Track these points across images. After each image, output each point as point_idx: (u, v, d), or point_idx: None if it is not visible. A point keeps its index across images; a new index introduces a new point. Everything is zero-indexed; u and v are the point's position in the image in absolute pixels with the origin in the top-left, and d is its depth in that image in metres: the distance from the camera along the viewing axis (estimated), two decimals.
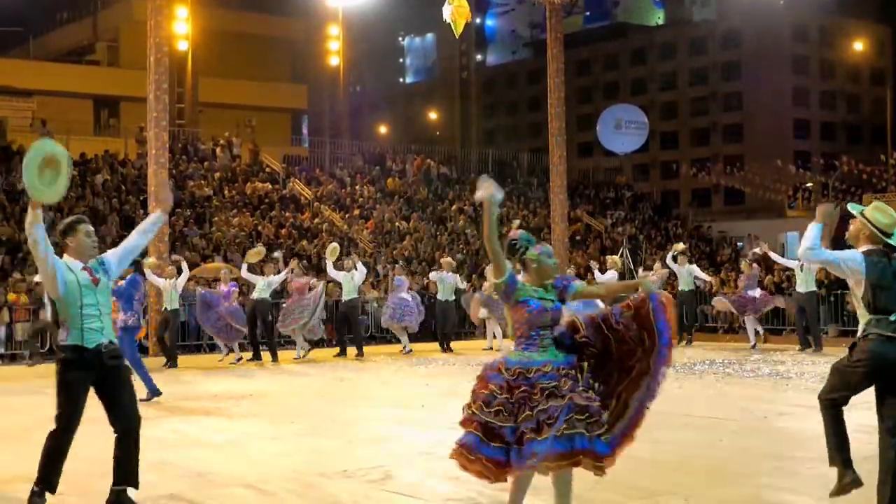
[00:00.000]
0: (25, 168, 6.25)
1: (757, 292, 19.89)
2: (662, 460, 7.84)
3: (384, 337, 21.27)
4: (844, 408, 6.14)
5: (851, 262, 6.01)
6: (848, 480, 6.05)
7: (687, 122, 74.00)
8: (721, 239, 37.15)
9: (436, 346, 20.17)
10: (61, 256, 6.32)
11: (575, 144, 60.95)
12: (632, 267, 24.78)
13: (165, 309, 16.95)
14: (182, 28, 35.79)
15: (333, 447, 8.69)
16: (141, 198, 24.90)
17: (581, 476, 7.22)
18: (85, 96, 39.59)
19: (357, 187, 32.55)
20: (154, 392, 11.91)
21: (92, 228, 6.61)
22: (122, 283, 11.80)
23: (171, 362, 16.79)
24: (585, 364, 5.53)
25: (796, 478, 7.06)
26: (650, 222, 37.09)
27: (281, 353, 18.33)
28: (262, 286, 17.72)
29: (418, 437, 9.19)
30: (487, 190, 5.49)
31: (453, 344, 20.19)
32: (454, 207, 32.57)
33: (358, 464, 7.75)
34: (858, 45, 62.72)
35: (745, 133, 70.53)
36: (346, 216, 30.00)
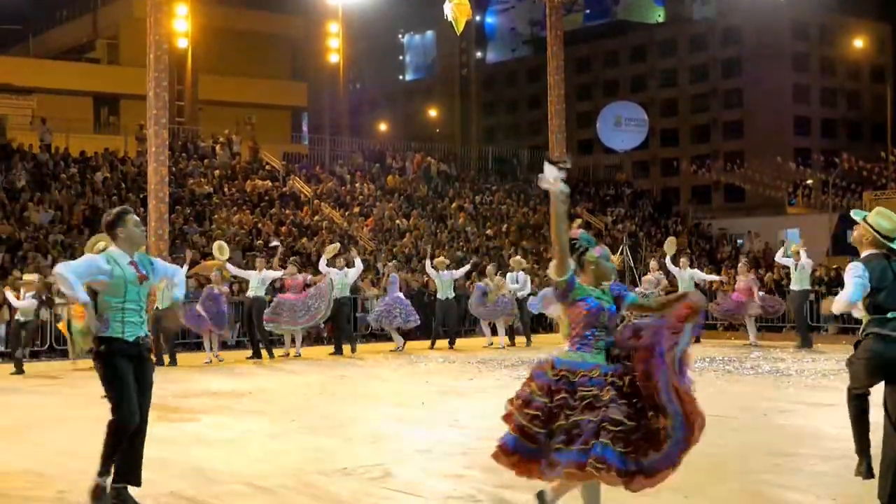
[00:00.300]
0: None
1: (754, 296, 19.81)
2: None
3: (384, 335, 21.21)
4: (870, 399, 6.34)
5: (864, 275, 6.08)
6: (861, 469, 6.33)
7: (687, 119, 74.00)
8: (721, 236, 37.15)
9: (440, 342, 20.07)
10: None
11: (575, 142, 60.91)
12: (632, 265, 24.76)
13: (157, 308, 16.74)
14: (182, 25, 35.78)
15: (333, 445, 8.69)
16: (141, 195, 24.87)
17: None
18: (85, 94, 39.56)
19: (357, 185, 32.54)
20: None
21: (138, 218, 6.56)
22: None
23: (170, 361, 16.72)
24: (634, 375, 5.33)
25: (797, 475, 7.05)
26: (650, 219, 37.08)
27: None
28: (257, 283, 17.62)
29: (418, 435, 9.19)
30: (553, 184, 5.28)
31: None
32: (454, 205, 32.56)
33: (358, 461, 7.75)
34: (858, 43, 62.72)
35: (746, 130, 70.53)
36: (346, 213, 29.99)
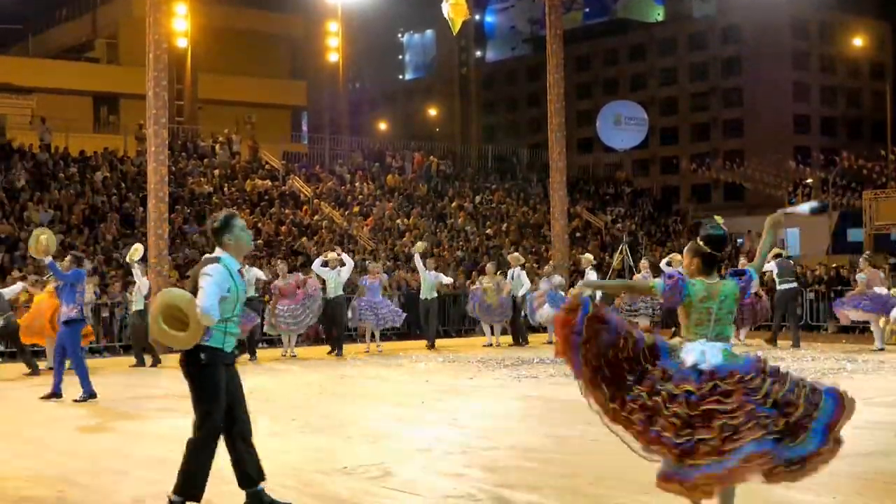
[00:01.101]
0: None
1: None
2: None
3: (383, 334, 21.17)
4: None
5: None
6: None
7: (687, 117, 74.01)
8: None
9: (440, 342, 20.04)
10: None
11: (575, 140, 60.97)
12: (631, 264, 24.75)
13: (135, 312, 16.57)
14: (181, 25, 35.79)
15: (333, 444, 8.69)
16: (140, 195, 24.88)
17: (581, 472, 7.23)
18: (84, 93, 39.56)
19: (357, 184, 32.55)
20: (90, 395, 11.64)
21: (244, 222, 6.32)
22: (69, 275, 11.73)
23: (139, 362, 16.45)
24: None
25: None
26: (650, 218, 37.09)
27: (264, 352, 18.34)
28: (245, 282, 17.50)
29: (418, 435, 9.19)
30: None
31: (439, 342, 20.06)
32: (454, 204, 32.56)
33: (357, 461, 7.75)
34: (858, 41, 62.76)
35: (746, 128, 70.57)
36: (346, 213, 29.99)
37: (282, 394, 12.60)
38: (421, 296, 19.84)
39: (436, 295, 19.94)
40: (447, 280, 20.45)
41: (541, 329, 21.36)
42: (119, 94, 38.85)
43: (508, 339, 20.32)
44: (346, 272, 18.67)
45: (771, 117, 68.52)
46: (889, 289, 17.90)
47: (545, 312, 19.68)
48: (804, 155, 62.63)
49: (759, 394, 5.04)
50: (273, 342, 19.62)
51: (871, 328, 18.04)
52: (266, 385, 13.65)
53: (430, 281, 19.66)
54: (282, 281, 18.06)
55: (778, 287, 18.91)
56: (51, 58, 42.99)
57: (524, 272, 20.65)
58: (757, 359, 5.31)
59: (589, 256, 21.66)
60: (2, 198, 24.66)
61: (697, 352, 5.27)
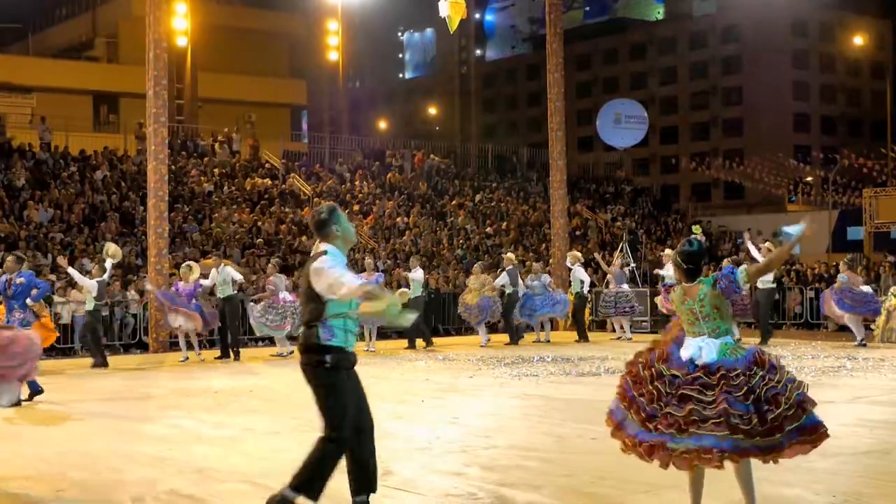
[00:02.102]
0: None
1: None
2: None
3: (383, 332, 21.16)
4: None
5: None
6: None
7: (687, 116, 74.01)
8: (721, 233, 37.15)
9: (440, 340, 19.99)
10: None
11: (575, 139, 61.01)
12: (631, 261, 24.75)
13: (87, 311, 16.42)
14: (181, 24, 35.75)
15: None
16: (140, 194, 24.88)
17: (582, 471, 7.23)
18: (84, 92, 39.59)
19: (357, 183, 32.55)
20: (36, 391, 11.58)
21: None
22: (22, 280, 11.58)
23: (99, 361, 16.22)
24: None
25: (795, 471, 7.04)
26: (650, 217, 37.09)
27: (256, 351, 18.32)
28: (220, 281, 17.34)
29: (418, 433, 9.18)
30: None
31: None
32: (454, 203, 32.56)
33: None
34: (858, 39, 62.73)
35: (745, 127, 70.56)
36: (346, 212, 29.91)
37: (282, 392, 12.59)
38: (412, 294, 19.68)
39: (420, 293, 19.68)
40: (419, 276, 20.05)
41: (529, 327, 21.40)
42: (119, 93, 38.87)
43: (504, 338, 20.31)
44: None
45: (771, 116, 68.52)
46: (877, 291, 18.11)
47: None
48: (804, 153, 62.63)
49: (741, 391, 5.36)
50: (263, 340, 19.51)
51: (848, 323, 18.36)
52: (266, 383, 13.66)
53: (416, 281, 19.47)
54: (270, 279, 17.97)
55: (764, 286, 19.15)
56: (51, 57, 43.04)
57: (517, 271, 20.58)
58: (754, 354, 5.53)
59: (576, 254, 21.62)
60: (2, 197, 24.66)
61: (695, 347, 5.65)
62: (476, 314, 19.83)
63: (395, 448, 8.41)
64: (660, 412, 5.50)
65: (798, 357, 15.83)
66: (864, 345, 17.48)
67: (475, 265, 21.30)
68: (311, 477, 5.67)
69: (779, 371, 5.48)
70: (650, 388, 5.59)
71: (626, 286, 21.35)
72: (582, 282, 20.73)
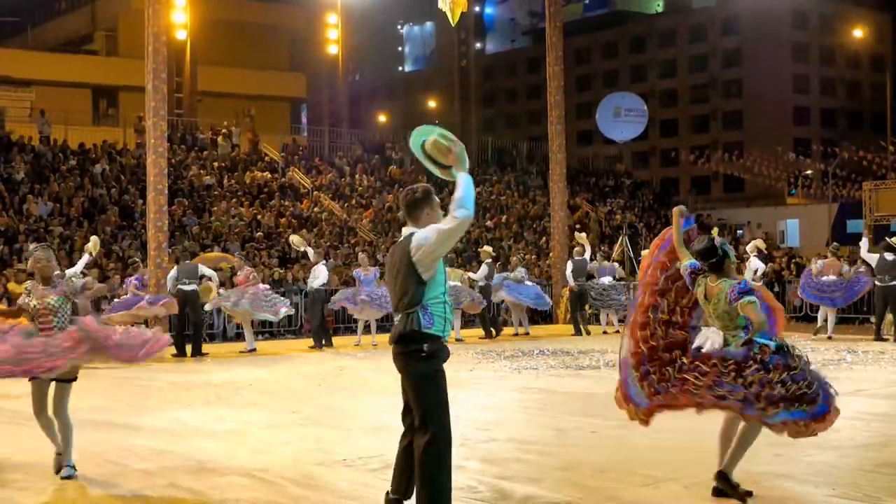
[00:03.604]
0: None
1: None
2: (662, 447, 7.84)
3: (383, 326, 21.15)
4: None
5: None
6: None
7: (686, 109, 73.93)
8: (721, 226, 37.16)
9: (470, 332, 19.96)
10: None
11: (574, 132, 60.88)
12: (631, 255, 24.76)
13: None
14: (180, 17, 35.72)
15: (333, 436, 8.69)
16: (140, 187, 24.87)
17: (581, 464, 7.23)
18: (83, 86, 39.54)
19: (356, 176, 32.53)
20: None
21: None
22: None
23: None
24: None
25: (796, 464, 7.06)
26: (650, 210, 37.09)
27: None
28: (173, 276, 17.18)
29: None
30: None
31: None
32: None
33: (357, 453, 7.75)
34: (858, 32, 62.65)
35: (745, 120, 70.49)
36: (346, 205, 29.99)
37: (281, 386, 12.61)
38: None
39: None
40: None
41: (540, 320, 21.39)
42: (118, 87, 38.83)
43: (479, 331, 20.22)
44: (320, 277, 18.35)
45: (771, 109, 68.42)
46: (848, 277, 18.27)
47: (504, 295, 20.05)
48: (804, 146, 62.59)
49: (729, 377, 5.87)
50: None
51: (819, 315, 18.72)
52: (265, 377, 13.66)
53: None
54: (240, 273, 17.79)
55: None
56: (50, 50, 42.95)
57: (493, 264, 20.52)
58: (752, 350, 5.94)
59: (488, 249, 21.60)
60: (1, 190, 24.65)
61: (702, 337, 6.20)
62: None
63: (395, 441, 8.41)
64: (664, 391, 6.11)
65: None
66: (831, 337, 17.89)
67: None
68: (438, 493, 5.21)
69: (775, 371, 5.84)
70: (664, 369, 6.14)
71: (606, 279, 21.11)
72: (591, 275, 20.75)
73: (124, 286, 17.77)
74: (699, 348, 6.10)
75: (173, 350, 16.78)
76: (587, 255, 20.79)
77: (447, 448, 5.25)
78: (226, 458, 7.65)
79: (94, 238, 16.31)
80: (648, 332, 6.32)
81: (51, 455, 7.08)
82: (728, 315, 6.07)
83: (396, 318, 5.38)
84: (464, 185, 5.37)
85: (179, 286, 16.94)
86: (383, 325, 19.67)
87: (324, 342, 18.08)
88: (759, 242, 20.41)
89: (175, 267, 17.32)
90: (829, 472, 6.85)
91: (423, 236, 5.33)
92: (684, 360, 6.10)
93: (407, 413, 5.51)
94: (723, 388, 5.83)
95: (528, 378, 12.92)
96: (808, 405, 5.84)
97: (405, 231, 5.56)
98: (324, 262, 18.90)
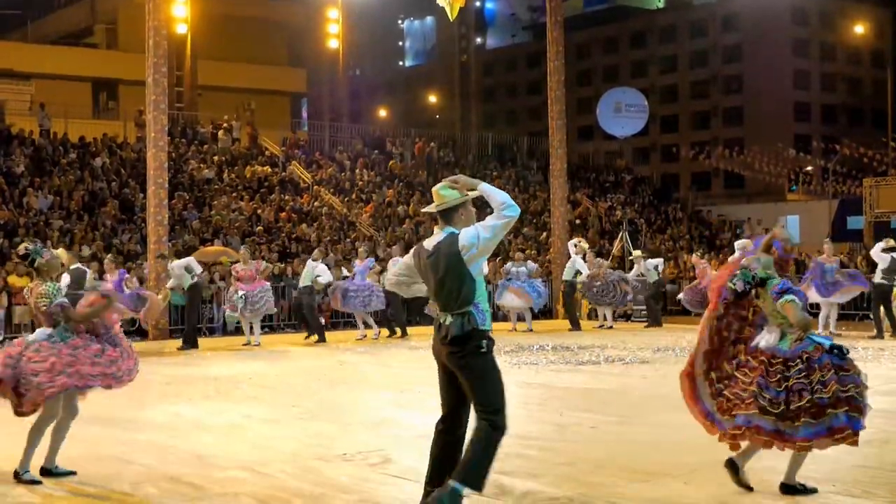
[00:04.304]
0: None
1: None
2: (662, 443, 7.84)
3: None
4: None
5: None
6: None
7: (687, 105, 73.89)
8: (721, 223, 37.14)
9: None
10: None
11: (575, 128, 60.91)
12: (631, 250, 24.76)
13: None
14: (181, 11, 35.63)
15: (333, 430, 8.69)
16: (140, 181, 24.85)
17: (581, 459, 7.23)
18: (83, 79, 39.49)
19: (357, 171, 32.51)
20: None
21: None
22: None
23: None
24: None
25: None
26: (650, 206, 37.07)
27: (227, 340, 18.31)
28: (176, 275, 17.20)
29: (417, 421, 9.17)
30: None
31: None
32: None
33: (357, 447, 7.75)
34: (859, 28, 62.63)
35: (746, 116, 70.46)
36: (346, 200, 29.97)
37: (281, 380, 12.61)
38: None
39: None
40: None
41: (541, 316, 21.35)
42: (118, 80, 38.77)
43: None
44: (323, 276, 18.32)
45: (771, 105, 68.40)
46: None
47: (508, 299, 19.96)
48: (804, 143, 62.56)
49: (775, 377, 6.00)
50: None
51: (820, 318, 18.45)
52: (265, 371, 13.66)
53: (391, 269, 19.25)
54: (242, 266, 17.67)
55: None
56: (50, 43, 42.88)
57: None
58: (805, 348, 6.06)
59: (583, 245, 21.57)
60: (1, 184, 24.63)
61: (762, 334, 6.30)
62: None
63: (396, 435, 8.42)
64: (723, 390, 6.24)
65: None
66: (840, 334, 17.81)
67: None
68: (478, 467, 5.48)
69: (820, 370, 5.98)
70: (725, 367, 6.29)
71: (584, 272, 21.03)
72: (578, 272, 20.68)
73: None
74: (756, 345, 6.24)
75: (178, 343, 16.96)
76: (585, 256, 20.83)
77: (502, 432, 5.51)
78: (225, 453, 7.65)
79: (61, 251, 16.28)
80: (716, 331, 6.41)
81: (40, 452, 7.04)
82: (778, 312, 6.18)
83: (444, 319, 5.47)
84: (492, 191, 5.56)
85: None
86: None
87: (318, 336, 18.10)
88: (748, 242, 20.47)
89: (178, 261, 17.33)
90: (829, 468, 6.84)
91: (473, 235, 5.44)
92: (741, 356, 6.26)
93: (447, 408, 5.68)
94: (768, 393, 5.97)
95: (527, 373, 12.92)
96: (855, 412, 5.98)
97: (438, 232, 5.65)
98: (321, 260, 18.87)
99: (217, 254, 21.93)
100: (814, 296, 18.05)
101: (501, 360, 14.46)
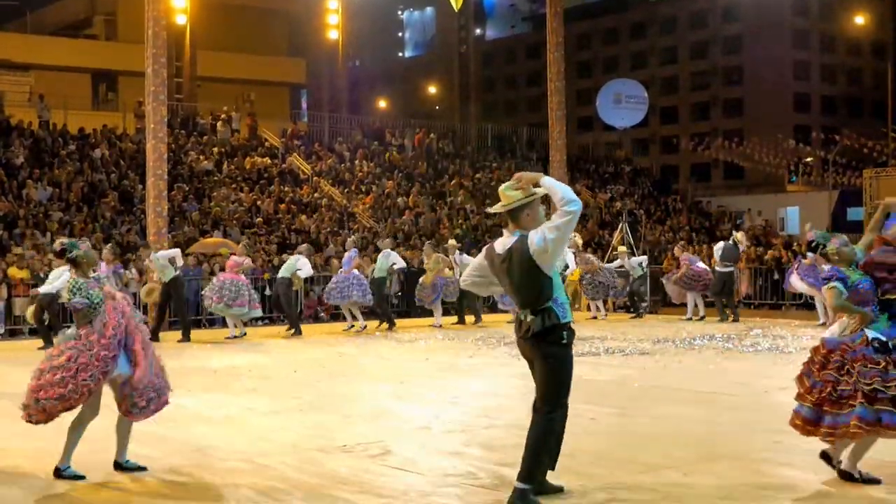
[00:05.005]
0: None
1: (699, 267, 20.32)
2: (661, 435, 7.85)
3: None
4: None
5: None
6: None
7: (687, 96, 73.79)
8: (720, 214, 37.12)
9: (430, 320, 19.85)
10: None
11: (574, 119, 60.83)
12: (631, 242, 24.76)
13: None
14: (180, 1, 35.57)
15: (332, 422, 8.70)
16: (139, 172, 24.84)
17: (581, 451, 7.23)
18: (83, 70, 39.40)
19: (356, 162, 32.49)
20: None
21: None
22: None
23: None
24: None
25: (795, 453, 7.06)
26: (649, 197, 37.05)
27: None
28: (160, 267, 17.07)
29: (417, 413, 9.19)
30: None
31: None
32: (453, 182, 32.51)
33: (357, 439, 7.76)
34: (859, 19, 62.50)
35: (746, 107, 70.36)
36: (346, 191, 29.95)
37: (280, 372, 12.61)
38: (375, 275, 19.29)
39: (384, 275, 19.48)
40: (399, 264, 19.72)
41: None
42: (118, 71, 38.69)
43: (453, 318, 20.12)
44: (304, 270, 18.27)
45: (771, 96, 68.29)
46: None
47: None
48: (804, 133, 62.45)
49: (881, 364, 6.04)
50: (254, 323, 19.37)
51: (816, 303, 18.66)
52: (265, 363, 13.67)
53: (383, 263, 19.25)
54: (237, 258, 17.53)
55: (717, 269, 19.86)
56: (49, 34, 42.77)
57: (464, 255, 20.42)
58: (851, 340, 6.19)
59: (452, 242, 21.49)
60: (0, 175, 24.61)
61: (874, 326, 6.31)
62: (429, 293, 19.65)
63: (395, 427, 8.43)
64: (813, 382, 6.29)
65: (797, 337, 15.84)
66: (825, 323, 17.76)
67: (426, 245, 21.18)
68: (540, 463, 5.72)
69: (852, 363, 6.10)
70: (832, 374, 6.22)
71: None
72: (567, 266, 20.70)
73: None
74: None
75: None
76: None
77: (563, 420, 5.87)
78: (226, 444, 7.66)
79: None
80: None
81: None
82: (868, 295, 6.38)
83: (525, 316, 5.70)
84: (554, 184, 5.67)
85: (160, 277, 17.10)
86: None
87: (294, 329, 18.09)
88: (741, 235, 20.82)
89: (147, 260, 17.30)
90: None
91: (541, 238, 5.57)
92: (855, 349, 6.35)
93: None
94: (808, 380, 6.29)
95: (527, 365, 12.90)
96: (876, 403, 6.00)
97: (507, 234, 5.81)
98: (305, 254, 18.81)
99: (216, 245, 21.91)
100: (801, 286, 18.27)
101: (500, 352, 14.51)
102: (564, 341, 5.70)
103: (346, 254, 19.12)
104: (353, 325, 18.67)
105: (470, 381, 11.57)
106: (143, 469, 6.76)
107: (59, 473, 6.63)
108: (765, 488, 6.15)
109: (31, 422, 6.71)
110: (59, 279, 14.34)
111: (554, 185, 5.64)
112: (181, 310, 17.54)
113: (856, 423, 5.94)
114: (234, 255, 18.06)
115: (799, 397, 6.38)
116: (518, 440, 7.68)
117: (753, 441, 7.61)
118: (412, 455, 7.22)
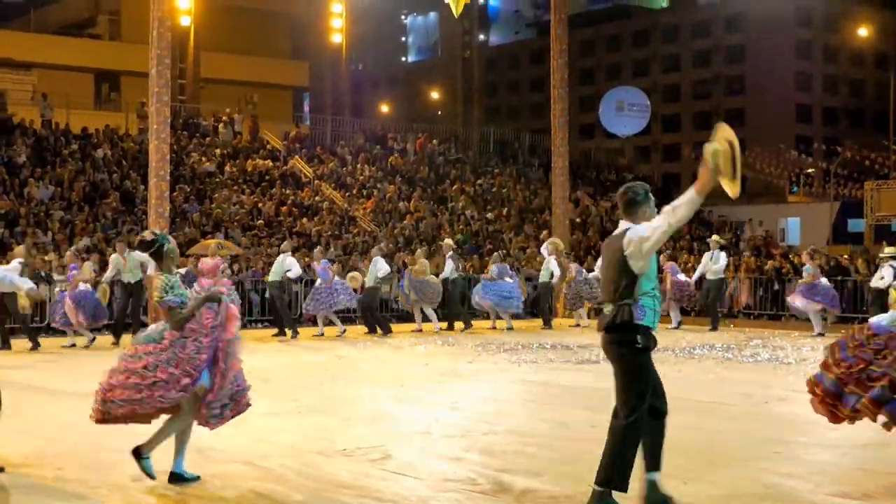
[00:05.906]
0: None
1: (680, 279, 20.39)
2: None
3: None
4: None
5: None
6: None
7: (689, 105, 73.84)
8: (721, 223, 37.09)
9: (428, 326, 19.81)
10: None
11: (577, 126, 60.83)
12: None
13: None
14: (184, 3, 35.59)
15: (333, 425, 8.69)
16: (141, 173, 24.84)
17: (581, 457, 7.22)
18: (86, 70, 39.41)
19: (358, 166, 32.49)
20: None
21: None
22: None
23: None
24: None
25: (796, 462, 7.05)
26: None
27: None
28: (130, 267, 17.09)
29: (417, 417, 9.19)
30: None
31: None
32: (455, 187, 32.51)
33: (357, 442, 7.75)
34: (862, 31, 62.54)
35: (748, 117, 70.36)
36: (347, 195, 29.96)
37: (280, 374, 12.60)
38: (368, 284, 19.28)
39: (373, 284, 19.37)
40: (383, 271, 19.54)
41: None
42: (121, 72, 38.70)
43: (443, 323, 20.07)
44: (293, 270, 18.27)
45: (773, 106, 68.35)
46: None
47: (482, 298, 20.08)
48: (806, 144, 62.50)
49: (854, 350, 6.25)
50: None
51: (811, 315, 18.73)
52: (264, 366, 13.64)
53: (371, 270, 19.21)
54: (210, 260, 17.13)
55: (715, 277, 20.02)
56: (52, 33, 42.76)
57: (454, 257, 20.41)
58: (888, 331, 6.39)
59: (558, 243, 21.50)
60: (2, 173, 24.62)
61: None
62: (422, 296, 19.55)
63: (395, 432, 8.42)
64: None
65: (798, 348, 15.84)
66: (823, 335, 17.78)
67: (417, 250, 21.23)
68: (619, 467, 5.55)
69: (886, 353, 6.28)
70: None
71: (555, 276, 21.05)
72: (552, 273, 20.74)
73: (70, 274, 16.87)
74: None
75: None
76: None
77: (638, 431, 5.58)
78: (225, 446, 7.65)
79: (18, 248, 16.26)
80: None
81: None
82: None
83: (606, 308, 5.68)
84: (687, 198, 5.82)
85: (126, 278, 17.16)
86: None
87: (289, 331, 18.10)
88: (716, 238, 21.02)
89: (118, 256, 17.25)
90: (829, 470, 6.85)
91: (638, 234, 5.61)
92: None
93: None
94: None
95: (527, 371, 12.93)
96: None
97: (622, 225, 5.83)
98: (290, 252, 18.80)
99: (215, 247, 21.88)
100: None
101: (501, 358, 14.50)
102: (639, 345, 5.55)
103: (318, 266, 18.77)
104: (345, 330, 18.65)
105: (470, 387, 11.57)
106: (198, 479, 6.61)
107: (138, 455, 6.46)
108: (764, 498, 6.14)
109: (97, 420, 6.45)
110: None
111: (685, 198, 5.73)
112: (137, 314, 17.47)
113: (867, 402, 6.08)
114: (205, 257, 17.63)
115: (825, 366, 6.42)
116: (518, 446, 7.70)
117: (753, 450, 7.60)
118: (412, 459, 7.21)
